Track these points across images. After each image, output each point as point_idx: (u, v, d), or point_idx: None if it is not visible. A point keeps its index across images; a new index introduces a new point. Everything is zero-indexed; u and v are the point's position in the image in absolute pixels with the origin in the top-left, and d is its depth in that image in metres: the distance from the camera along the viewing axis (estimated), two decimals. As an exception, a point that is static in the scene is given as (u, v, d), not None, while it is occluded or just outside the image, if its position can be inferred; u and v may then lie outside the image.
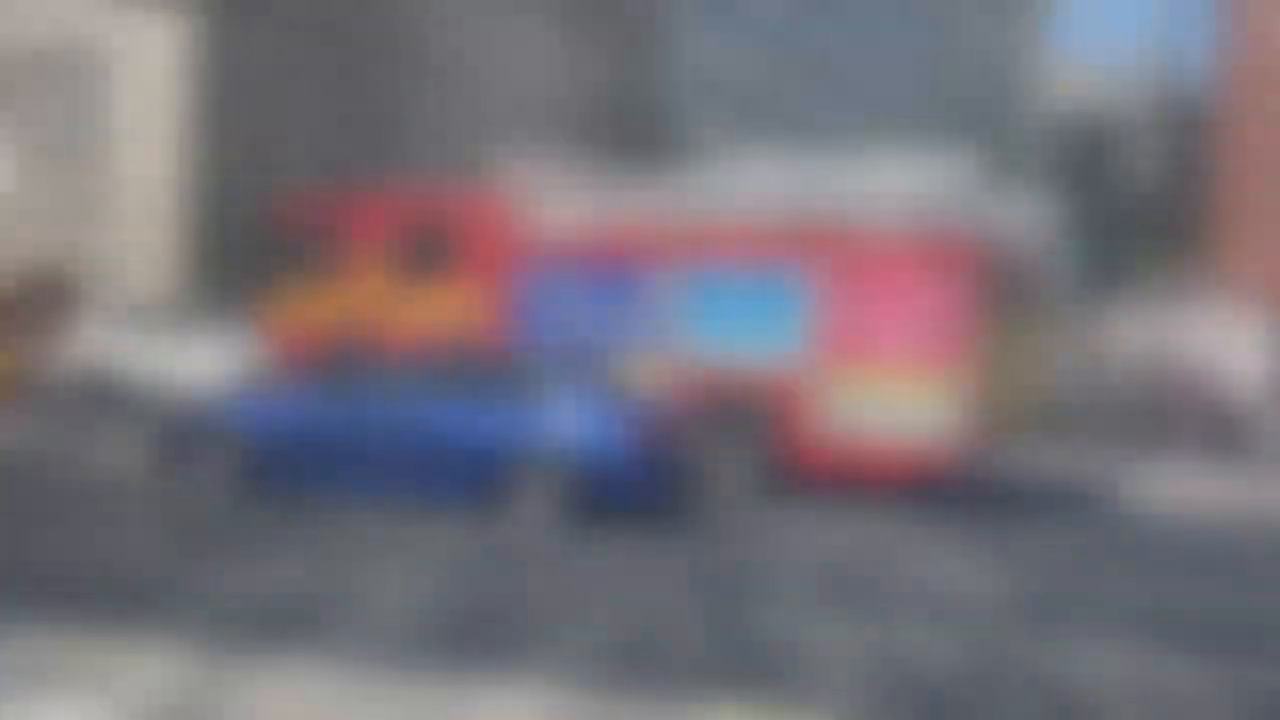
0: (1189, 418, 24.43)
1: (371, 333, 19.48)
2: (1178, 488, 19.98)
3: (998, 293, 17.40)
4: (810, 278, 17.59)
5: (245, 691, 7.06)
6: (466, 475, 14.26)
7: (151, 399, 29.70)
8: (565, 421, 14.12)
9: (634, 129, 61.40)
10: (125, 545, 11.60)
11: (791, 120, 79.68)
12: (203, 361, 30.16)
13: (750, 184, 18.15)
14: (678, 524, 14.44)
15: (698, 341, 17.98)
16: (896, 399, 16.98)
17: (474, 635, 8.65)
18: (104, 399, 29.73)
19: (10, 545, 11.35)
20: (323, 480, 14.65)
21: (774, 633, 9.08)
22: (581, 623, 9.15)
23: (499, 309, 18.84)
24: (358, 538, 12.64)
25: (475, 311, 18.93)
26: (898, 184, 17.59)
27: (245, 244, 31.31)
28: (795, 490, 17.86)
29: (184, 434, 15.14)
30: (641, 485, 13.93)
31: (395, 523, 13.77)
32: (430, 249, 19.85)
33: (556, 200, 19.25)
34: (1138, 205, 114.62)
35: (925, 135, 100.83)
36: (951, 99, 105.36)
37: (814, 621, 9.49)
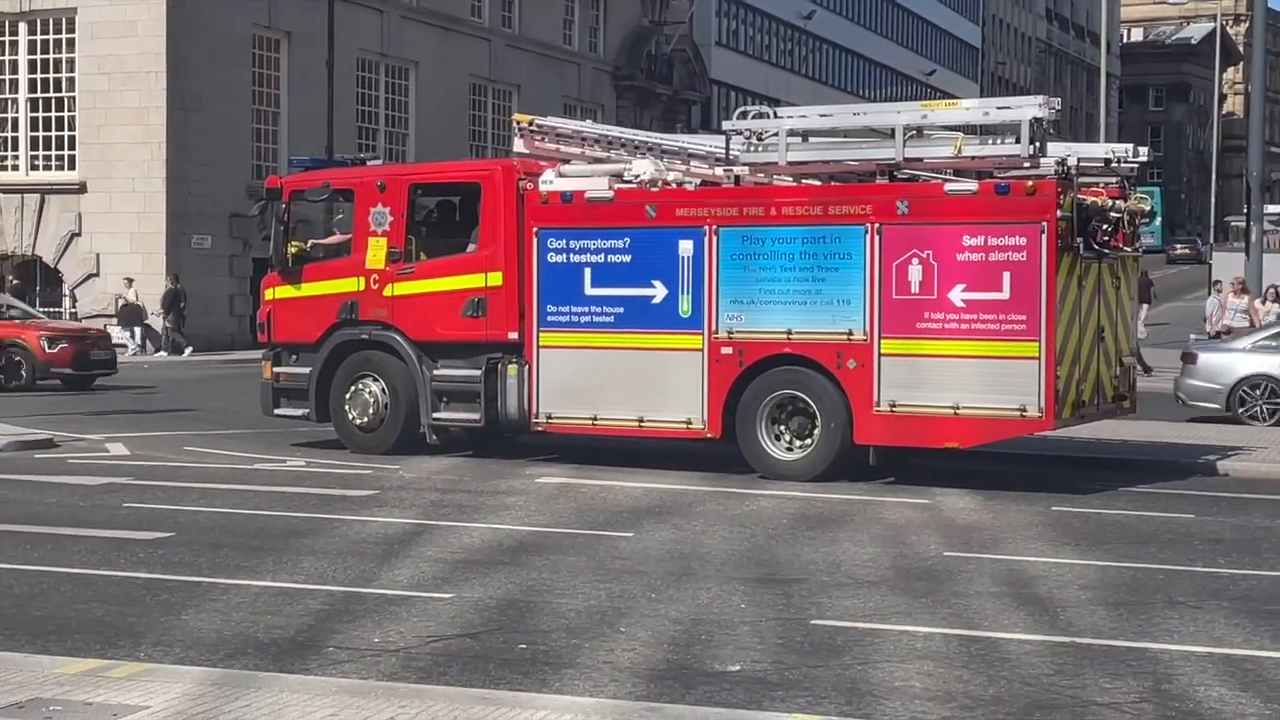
0: None
1: (380, 303, 18.08)
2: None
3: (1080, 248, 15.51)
4: (870, 234, 15.70)
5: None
6: None
7: None
8: None
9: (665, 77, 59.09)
10: None
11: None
12: None
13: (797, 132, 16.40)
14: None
15: (741, 306, 16.33)
16: (966, 363, 15.23)
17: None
18: None
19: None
20: None
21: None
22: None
23: (519, 275, 17.47)
24: None
25: (495, 278, 17.58)
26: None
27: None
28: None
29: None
30: None
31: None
32: (446, 214, 19.17)
33: (579, 159, 18.16)
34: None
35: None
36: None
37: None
